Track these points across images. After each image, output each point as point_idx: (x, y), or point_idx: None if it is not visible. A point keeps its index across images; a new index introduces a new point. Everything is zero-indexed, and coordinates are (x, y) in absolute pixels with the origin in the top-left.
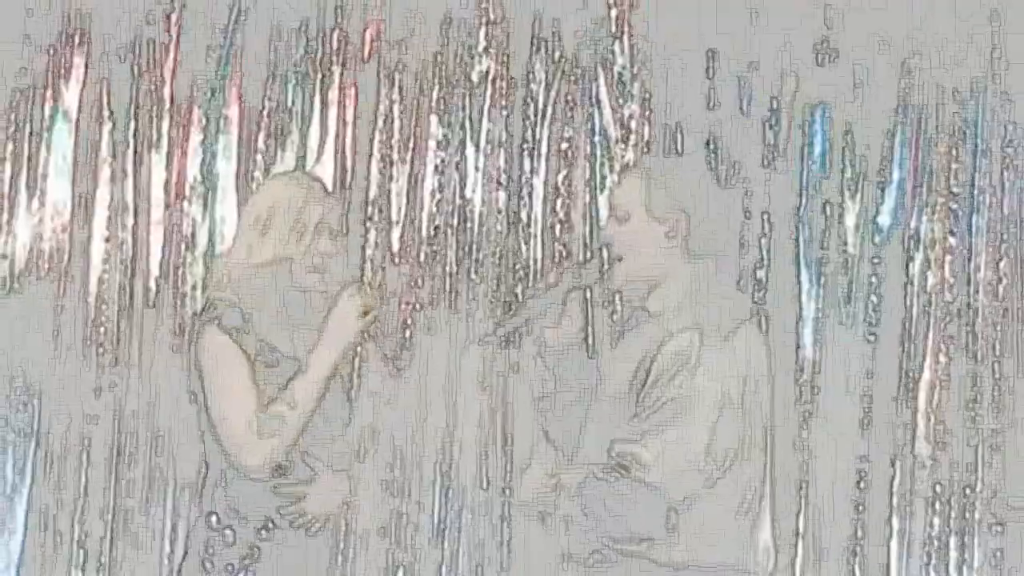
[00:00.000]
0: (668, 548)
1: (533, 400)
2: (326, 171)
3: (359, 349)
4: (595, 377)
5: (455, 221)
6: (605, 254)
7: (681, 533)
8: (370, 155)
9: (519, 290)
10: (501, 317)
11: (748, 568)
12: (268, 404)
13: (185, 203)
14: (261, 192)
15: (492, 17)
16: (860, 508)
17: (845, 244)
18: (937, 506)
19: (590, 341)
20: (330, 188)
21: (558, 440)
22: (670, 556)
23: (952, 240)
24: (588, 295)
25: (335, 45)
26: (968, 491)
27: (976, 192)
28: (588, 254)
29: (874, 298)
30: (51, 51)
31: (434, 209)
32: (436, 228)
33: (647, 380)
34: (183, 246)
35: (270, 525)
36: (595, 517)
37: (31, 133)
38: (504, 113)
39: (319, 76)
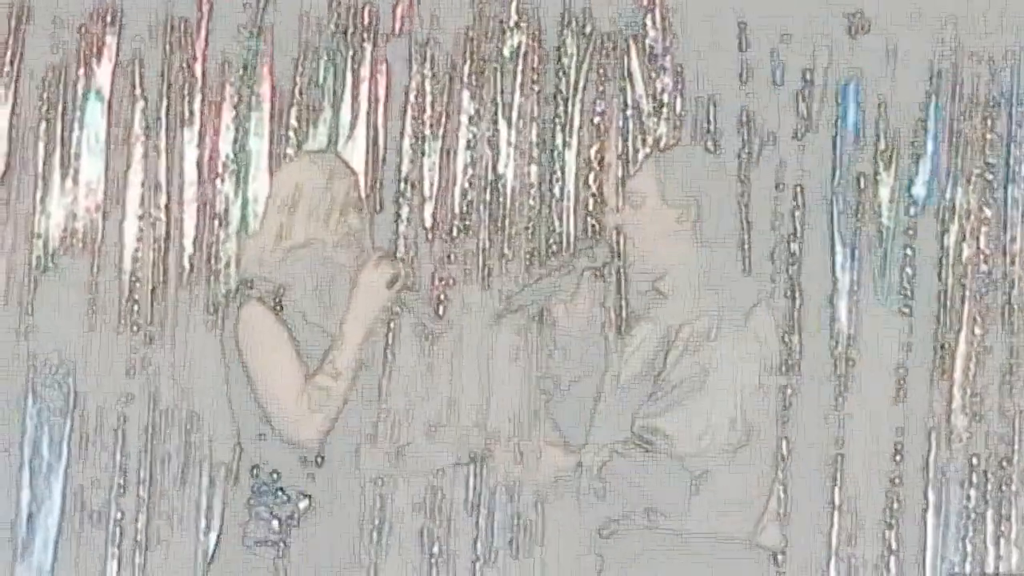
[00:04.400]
0: (686, 519)
1: (537, 380)
2: (358, 147)
3: (392, 324)
4: (608, 359)
5: (488, 196)
6: (616, 238)
7: (699, 505)
8: (402, 131)
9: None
10: (512, 293)
11: (763, 541)
12: (311, 378)
13: (218, 181)
14: (284, 173)
15: None
16: (896, 481)
17: (879, 216)
18: (974, 479)
19: (603, 322)
20: (363, 165)
21: (562, 421)
22: (688, 526)
23: (987, 211)
24: (601, 275)
25: (366, 21)
26: (1005, 463)
27: (1011, 162)
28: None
29: (909, 270)
30: (83, 30)
31: (467, 184)
32: (469, 203)
33: (667, 360)
34: (216, 223)
35: (304, 500)
36: (618, 493)
37: (64, 112)
38: (536, 87)
39: (350, 52)
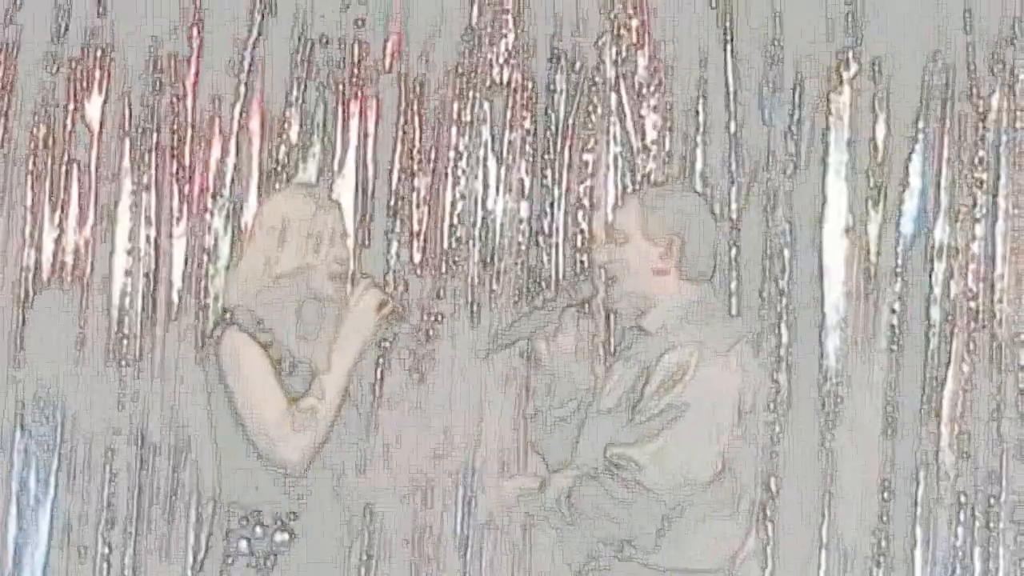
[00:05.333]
0: (659, 553)
1: (523, 414)
2: (348, 182)
3: (380, 360)
4: (590, 393)
5: (476, 232)
6: (601, 275)
7: (673, 539)
8: (391, 166)
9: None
10: (497, 331)
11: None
12: (298, 399)
13: (207, 215)
14: (270, 205)
15: (512, 28)
16: (884, 518)
17: (868, 253)
18: (961, 516)
19: (590, 358)
20: (352, 199)
21: (547, 454)
22: (660, 561)
23: (975, 248)
24: (585, 311)
25: (356, 57)
26: (992, 500)
27: (999, 199)
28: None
29: (897, 306)
30: (73, 65)
31: (455, 220)
32: (457, 239)
33: (644, 390)
34: (205, 258)
35: (285, 535)
36: (584, 518)
37: (54, 146)
38: (525, 124)
39: (340, 88)
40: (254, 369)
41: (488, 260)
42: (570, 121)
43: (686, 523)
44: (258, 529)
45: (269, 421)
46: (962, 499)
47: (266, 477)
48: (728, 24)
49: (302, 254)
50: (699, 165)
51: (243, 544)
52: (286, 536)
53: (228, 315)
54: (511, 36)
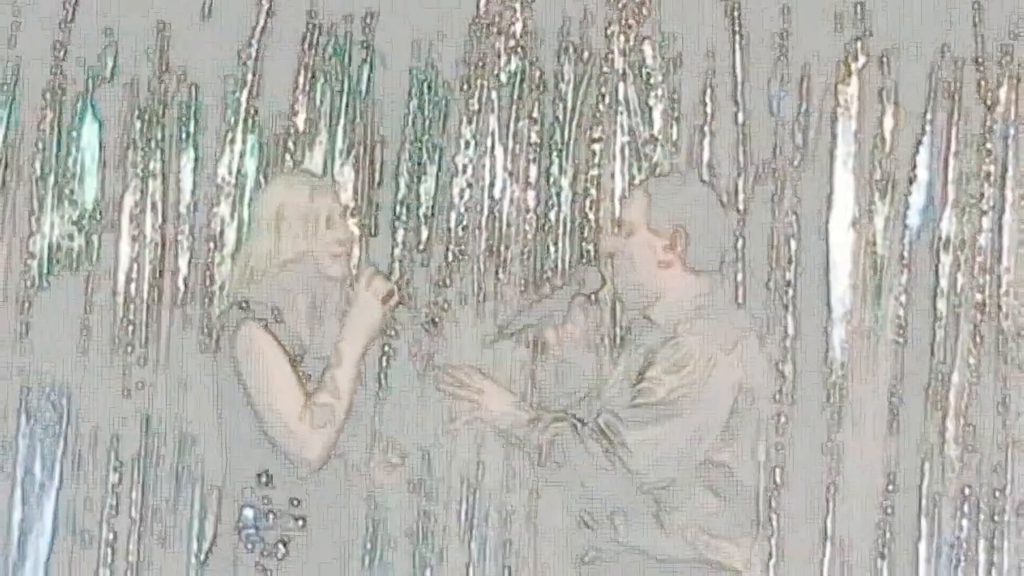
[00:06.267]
0: (664, 543)
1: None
2: (354, 171)
3: (386, 348)
4: (595, 382)
5: (483, 221)
6: (607, 265)
7: (676, 529)
8: (398, 155)
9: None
10: (505, 319)
11: (739, 567)
12: (312, 396)
13: (213, 202)
14: (266, 194)
15: (521, 18)
16: (888, 510)
17: (874, 245)
18: (966, 508)
19: (598, 347)
20: (359, 188)
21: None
22: (666, 551)
23: (981, 241)
24: (593, 300)
25: (364, 44)
26: (997, 494)
27: (1006, 192)
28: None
29: (903, 299)
30: (81, 50)
31: (462, 209)
32: (464, 228)
33: (647, 372)
34: (212, 245)
35: (294, 523)
36: (553, 467)
37: (60, 132)
38: (533, 113)
39: (347, 75)
40: (272, 363)
41: (495, 249)
42: (578, 111)
43: (689, 514)
44: (269, 517)
45: (289, 417)
46: (967, 492)
47: (275, 465)
48: (736, 14)
49: (300, 239)
50: (706, 156)
51: (252, 531)
52: (296, 523)
53: (241, 306)
54: (519, 25)
